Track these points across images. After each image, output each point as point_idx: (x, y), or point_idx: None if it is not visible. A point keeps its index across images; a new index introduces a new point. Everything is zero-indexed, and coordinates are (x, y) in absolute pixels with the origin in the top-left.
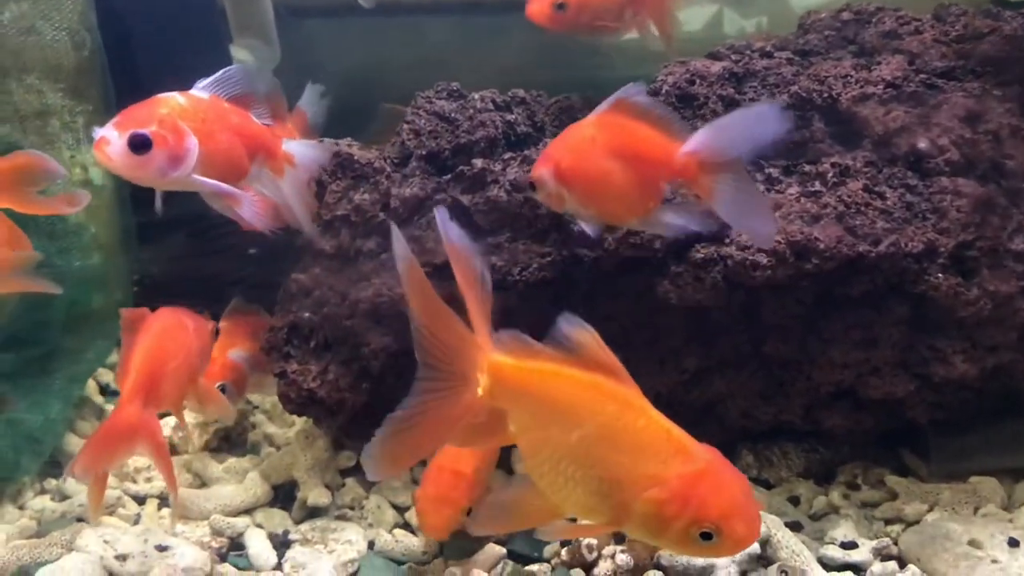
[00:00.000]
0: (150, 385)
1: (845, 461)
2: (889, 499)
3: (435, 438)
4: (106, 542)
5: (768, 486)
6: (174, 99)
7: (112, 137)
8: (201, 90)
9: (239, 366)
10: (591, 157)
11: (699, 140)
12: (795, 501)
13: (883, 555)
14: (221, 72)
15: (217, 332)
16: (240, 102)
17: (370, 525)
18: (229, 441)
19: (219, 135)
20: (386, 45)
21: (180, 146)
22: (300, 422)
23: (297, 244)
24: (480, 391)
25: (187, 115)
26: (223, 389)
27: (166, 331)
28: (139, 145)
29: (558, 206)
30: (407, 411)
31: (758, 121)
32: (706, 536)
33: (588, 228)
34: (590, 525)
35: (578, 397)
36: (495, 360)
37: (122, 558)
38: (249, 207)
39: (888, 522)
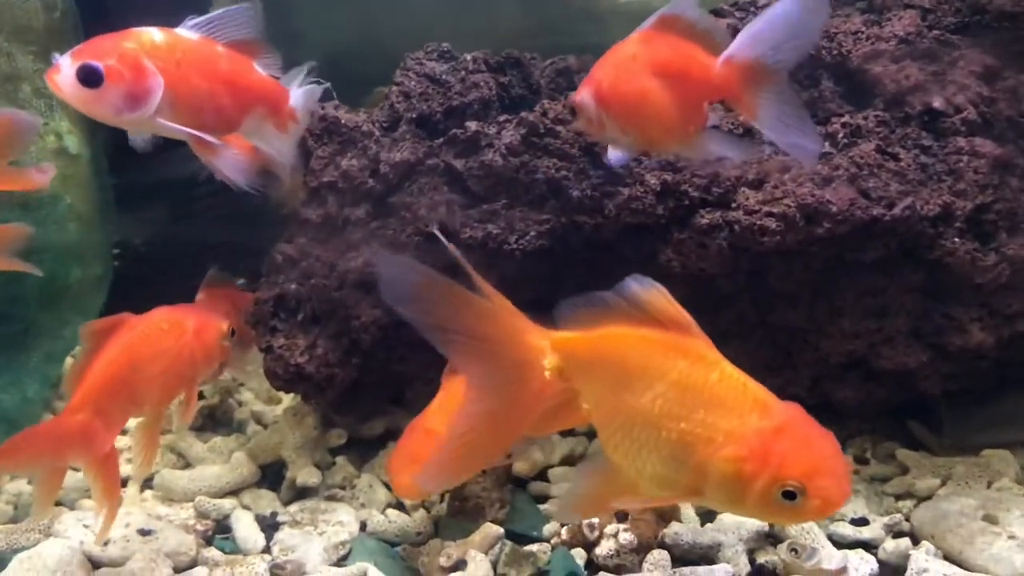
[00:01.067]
0: (105, 393)
1: (853, 435)
2: (900, 473)
3: (508, 437)
4: (86, 527)
5: None
6: (147, 35)
7: (64, 65)
8: (189, 29)
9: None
10: (630, 76)
11: (737, 46)
12: None
13: (895, 532)
14: (221, 11)
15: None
16: (243, 48)
17: (362, 505)
18: (214, 419)
19: (197, 79)
20: (371, 13)
21: (140, 85)
22: (287, 399)
23: (282, 211)
24: (548, 373)
25: (158, 53)
26: None
27: (142, 337)
28: (88, 78)
29: (598, 133)
30: (469, 419)
31: (797, 12)
32: (790, 496)
33: (619, 157)
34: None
35: (647, 357)
36: (558, 338)
37: (104, 543)
38: (229, 160)
39: (899, 497)
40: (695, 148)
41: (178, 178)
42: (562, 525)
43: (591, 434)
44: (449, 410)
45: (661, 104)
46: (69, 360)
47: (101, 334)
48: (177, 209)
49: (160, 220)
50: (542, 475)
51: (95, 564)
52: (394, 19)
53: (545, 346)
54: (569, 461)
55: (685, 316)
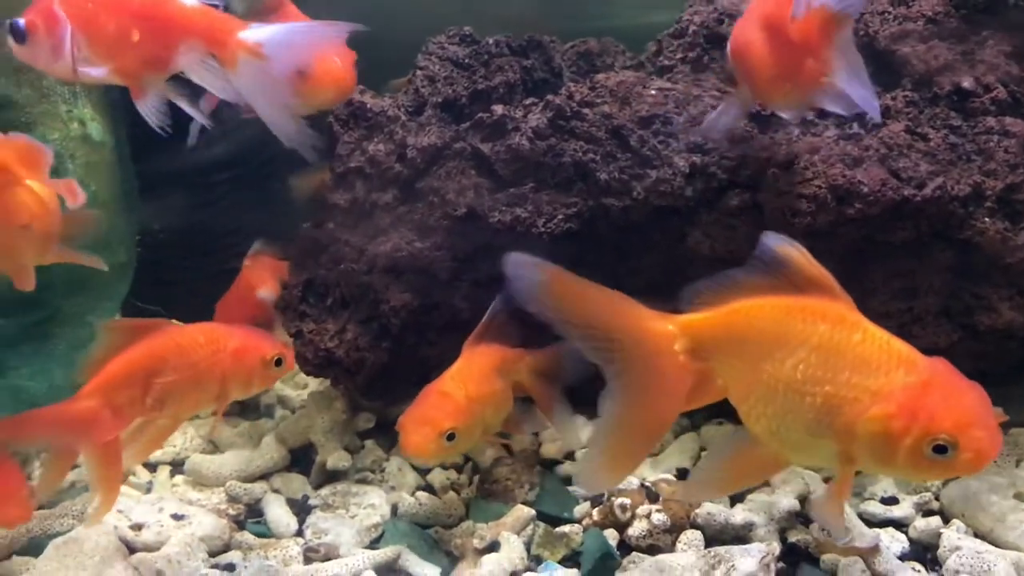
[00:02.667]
0: (117, 386)
1: None
2: None
3: (657, 426)
4: (120, 511)
5: None
6: None
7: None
8: None
9: (267, 305)
10: (744, 27)
11: None
12: None
13: (924, 510)
14: None
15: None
16: None
17: (392, 488)
18: (242, 404)
19: (108, 19)
20: None
21: (54, 35)
22: (315, 384)
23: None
24: (681, 357)
25: None
26: None
27: (173, 345)
28: (16, 34)
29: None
30: (612, 418)
31: None
32: (941, 450)
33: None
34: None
35: (785, 325)
36: (686, 320)
37: (137, 527)
38: (149, 103)
39: None
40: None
41: (196, 165)
42: (593, 506)
43: None
44: (466, 376)
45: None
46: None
47: (132, 332)
48: (196, 196)
49: (179, 207)
50: (570, 457)
51: (130, 549)
52: (406, 4)
53: (673, 331)
54: None
55: (826, 275)
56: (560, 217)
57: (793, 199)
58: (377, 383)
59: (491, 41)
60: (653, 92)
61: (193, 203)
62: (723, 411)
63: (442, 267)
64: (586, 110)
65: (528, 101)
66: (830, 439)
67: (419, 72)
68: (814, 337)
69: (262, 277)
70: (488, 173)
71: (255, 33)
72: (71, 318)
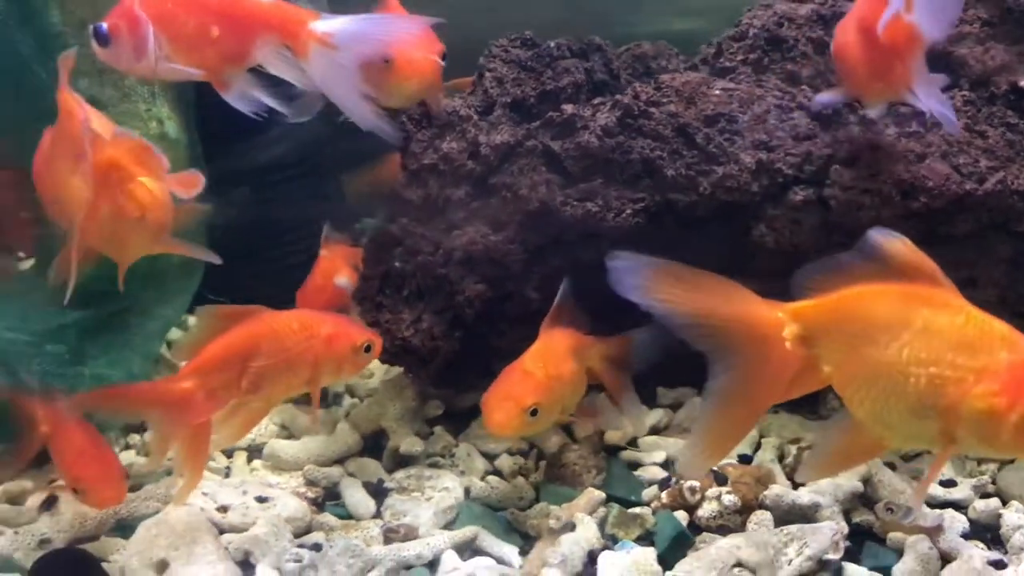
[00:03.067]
0: (213, 370)
1: None
2: None
3: (757, 412)
4: (205, 494)
5: None
6: None
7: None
8: None
9: (345, 293)
10: (843, 29)
11: (901, 4)
12: None
13: (982, 492)
14: None
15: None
16: None
17: (462, 472)
18: (308, 393)
19: (187, 17)
20: (409, 6)
21: (136, 35)
22: (379, 373)
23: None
24: (789, 344)
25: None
26: None
27: (268, 330)
28: (100, 39)
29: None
30: (717, 402)
31: None
32: None
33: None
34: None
35: (890, 310)
36: (794, 308)
37: (223, 509)
38: (235, 92)
39: (980, 461)
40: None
41: (258, 164)
42: (661, 489)
43: (675, 406)
44: (545, 356)
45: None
46: (177, 333)
47: (229, 318)
48: (255, 193)
49: (242, 204)
50: (632, 444)
51: (218, 530)
52: (432, 12)
53: (781, 318)
54: (655, 431)
55: (930, 264)
56: (628, 212)
57: (858, 194)
58: (447, 372)
59: (552, 44)
60: (717, 92)
61: (255, 200)
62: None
63: (515, 259)
64: (653, 109)
65: (596, 101)
66: (933, 420)
67: (487, 74)
68: (918, 321)
69: (338, 265)
70: (558, 169)
71: (326, 24)
72: (147, 309)
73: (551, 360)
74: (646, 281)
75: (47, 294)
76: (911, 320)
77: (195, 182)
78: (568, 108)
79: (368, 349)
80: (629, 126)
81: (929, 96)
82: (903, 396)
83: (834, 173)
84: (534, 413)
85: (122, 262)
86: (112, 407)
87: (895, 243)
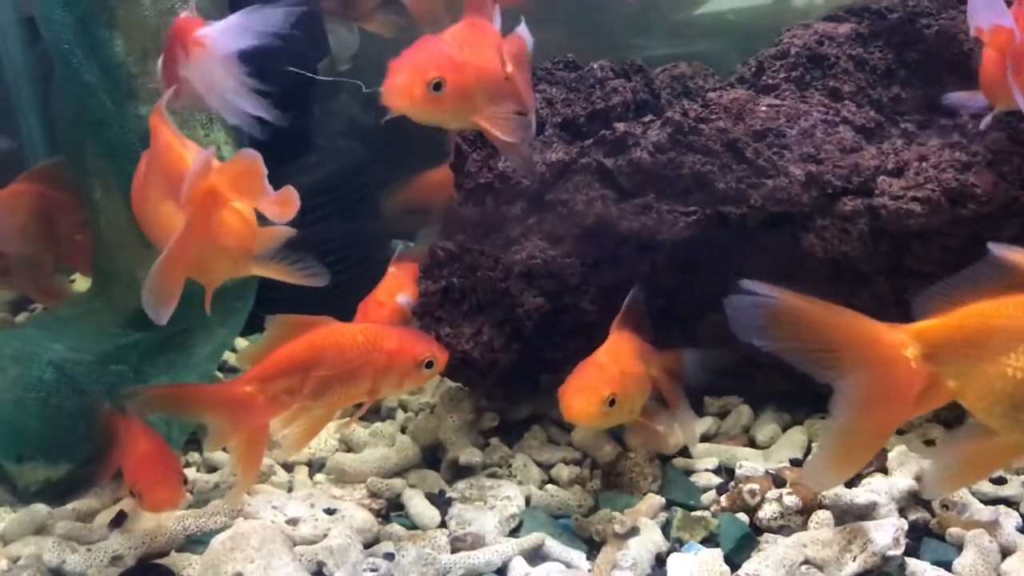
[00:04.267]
0: (275, 375)
1: None
2: None
3: (887, 431)
4: (274, 507)
5: (899, 432)
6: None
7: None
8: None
9: (405, 310)
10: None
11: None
12: (930, 444)
13: None
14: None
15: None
16: None
17: (519, 482)
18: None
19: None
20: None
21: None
22: (430, 388)
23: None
24: (913, 363)
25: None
26: None
27: (332, 341)
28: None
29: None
30: (845, 423)
31: None
32: None
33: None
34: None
35: (1014, 319)
36: (917, 328)
37: (293, 522)
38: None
39: None
40: None
41: (301, 187)
42: (719, 493)
43: (722, 414)
44: (618, 353)
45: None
46: (242, 342)
47: (297, 328)
48: (302, 216)
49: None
50: (684, 452)
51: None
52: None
53: (903, 339)
54: (705, 438)
55: None
56: (681, 225)
57: (908, 202)
58: (503, 384)
59: (596, 66)
60: (764, 108)
61: (299, 223)
62: (824, 406)
63: (572, 272)
64: (702, 125)
65: (647, 118)
66: None
67: (537, 96)
68: None
69: (403, 283)
70: (612, 185)
71: (203, 28)
72: (205, 330)
73: (623, 357)
74: (765, 323)
75: (108, 315)
76: None
77: (292, 202)
78: (620, 126)
79: (430, 365)
80: (680, 142)
81: None
82: None
83: (882, 183)
84: (611, 404)
85: (209, 286)
86: (175, 405)
87: (1017, 255)
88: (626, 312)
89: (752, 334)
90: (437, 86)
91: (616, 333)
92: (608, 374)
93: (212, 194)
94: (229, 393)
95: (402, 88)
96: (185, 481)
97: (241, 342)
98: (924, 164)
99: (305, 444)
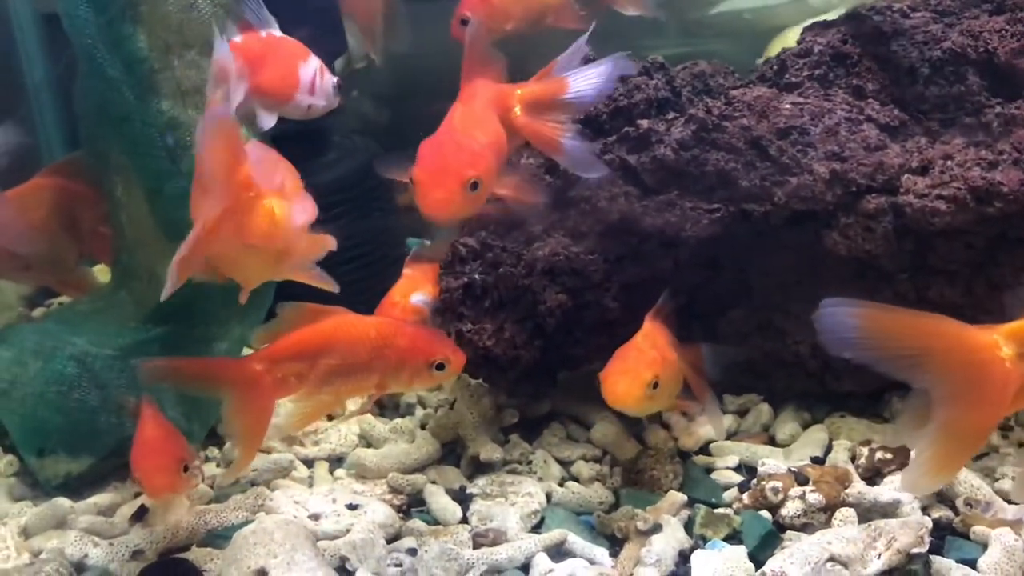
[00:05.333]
0: (285, 358)
1: None
2: None
3: (985, 431)
4: (296, 503)
5: None
6: None
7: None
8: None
9: (421, 309)
10: None
11: None
12: None
13: None
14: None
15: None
16: None
17: (540, 479)
18: (381, 405)
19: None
20: (437, 28)
21: None
22: (448, 384)
23: None
24: (1008, 363)
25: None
26: None
27: (344, 332)
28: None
29: None
30: (941, 428)
31: None
32: None
33: None
34: None
35: None
36: (1010, 329)
37: (315, 517)
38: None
39: None
40: None
41: (317, 187)
42: (741, 491)
43: (742, 412)
44: (653, 341)
45: None
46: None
47: (312, 315)
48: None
49: None
50: (704, 450)
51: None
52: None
53: (997, 339)
54: (727, 436)
55: None
56: (705, 222)
57: (933, 200)
58: (524, 380)
59: None
60: (788, 106)
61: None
62: (844, 405)
63: (595, 269)
64: (726, 123)
65: (671, 116)
66: None
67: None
68: None
69: (418, 283)
70: (635, 182)
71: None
72: (223, 326)
73: (659, 344)
74: (857, 335)
75: (129, 310)
76: None
77: (326, 244)
78: (643, 123)
79: (441, 367)
80: (703, 139)
81: None
82: None
83: (907, 181)
84: (654, 387)
85: (245, 284)
86: (185, 376)
87: None
88: (660, 307)
89: (845, 347)
90: (474, 186)
91: (649, 324)
92: (649, 357)
93: (247, 187)
94: (239, 369)
95: (443, 201)
96: (187, 468)
97: None
98: (949, 162)
99: (303, 426)
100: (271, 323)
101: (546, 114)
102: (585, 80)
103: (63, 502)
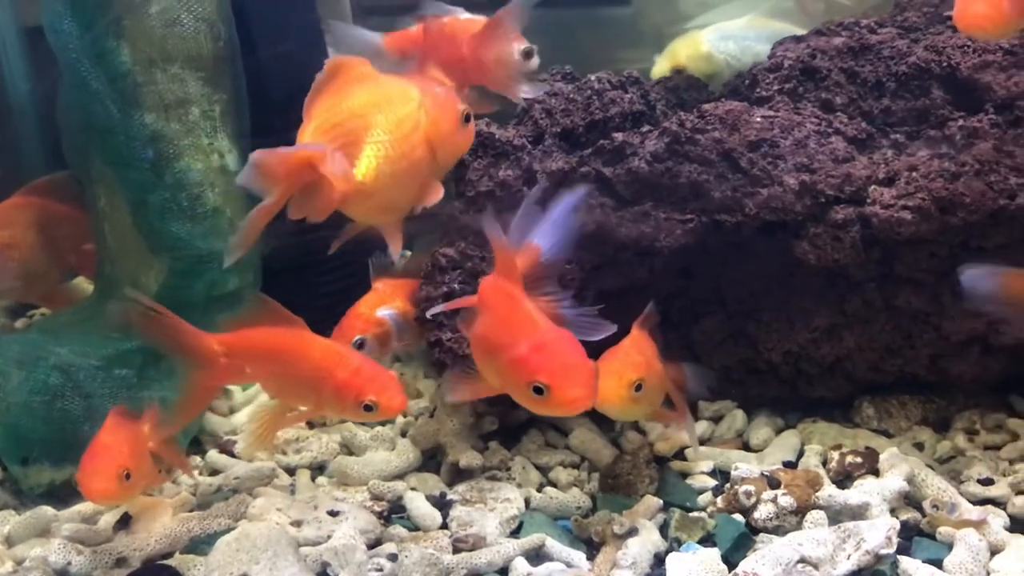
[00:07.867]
0: (236, 350)
1: (960, 410)
2: (1011, 440)
3: None
4: (278, 510)
5: (889, 436)
6: None
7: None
8: None
9: (384, 322)
10: None
11: None
12: (919, 447)
13: (1018, 490)
14: None
15: None
16: None
17: (519, 485)
18: None
19: None
20: None
21: None
22: (428, 392)
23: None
24: None
25: None
26: (360, 344)
27: (288, 345)
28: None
29: None
30: None
31: None
32: None
33: None
34: None
35: None
36: None
37: (297, 524)
38: None
39: (1012, 462)
40: None
41: None
42: (715, 495)
43: (716, 418)
44: (640, 346)
45: None
46: None
47: (273, 316)
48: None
49: (282, 233)
50: (679, 455)
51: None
52: None
53: None
54: (700, 442)
55: None
56: (679, 232)
57: (899, 210)
58: None
59: (593, 78)
60: (759, 119)
61: (299, 230)
62: (815, 410)
63: (571, 278)
64: (699, 136)
65: (645, 129)
66: None
67: (536, 106)
68: None
69: (387, 296)
70: (611, 193)
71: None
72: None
73: (644, 350)
74: (997, 292)
75: (110, 321)
76: None
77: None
78: (618, 136)
79: (370, 408)
80: (676, 152)
81: None
82: None
83: (874, 192)
84: (638, 389)
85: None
86: (157, 328)
87: None
88: (646, 318)
89: (986, 301)
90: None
91: (636, 331)
92: (635, 360)
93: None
94: (201, 341)
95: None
96: (128, 476)
97: None
98: (914, 174)
99: (263, 445)
100: (234, 313)
101: (535, 291)
102: (552, 232)
103: (47, 510)
